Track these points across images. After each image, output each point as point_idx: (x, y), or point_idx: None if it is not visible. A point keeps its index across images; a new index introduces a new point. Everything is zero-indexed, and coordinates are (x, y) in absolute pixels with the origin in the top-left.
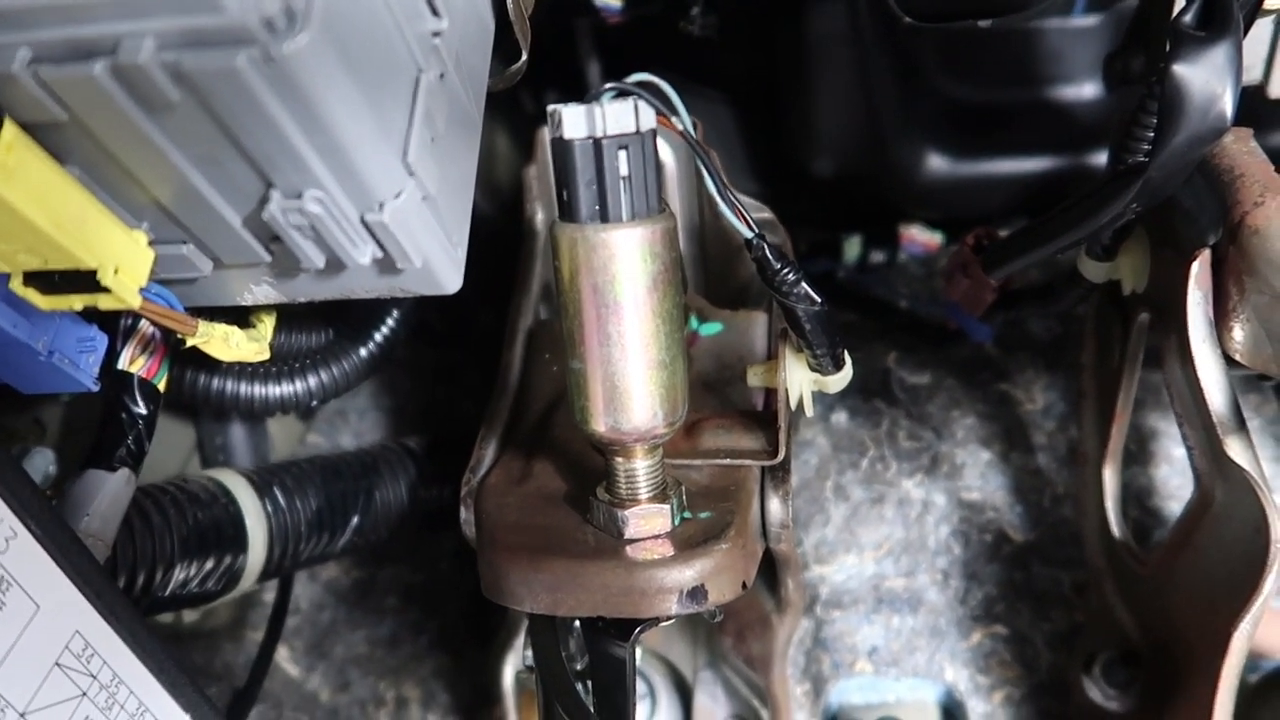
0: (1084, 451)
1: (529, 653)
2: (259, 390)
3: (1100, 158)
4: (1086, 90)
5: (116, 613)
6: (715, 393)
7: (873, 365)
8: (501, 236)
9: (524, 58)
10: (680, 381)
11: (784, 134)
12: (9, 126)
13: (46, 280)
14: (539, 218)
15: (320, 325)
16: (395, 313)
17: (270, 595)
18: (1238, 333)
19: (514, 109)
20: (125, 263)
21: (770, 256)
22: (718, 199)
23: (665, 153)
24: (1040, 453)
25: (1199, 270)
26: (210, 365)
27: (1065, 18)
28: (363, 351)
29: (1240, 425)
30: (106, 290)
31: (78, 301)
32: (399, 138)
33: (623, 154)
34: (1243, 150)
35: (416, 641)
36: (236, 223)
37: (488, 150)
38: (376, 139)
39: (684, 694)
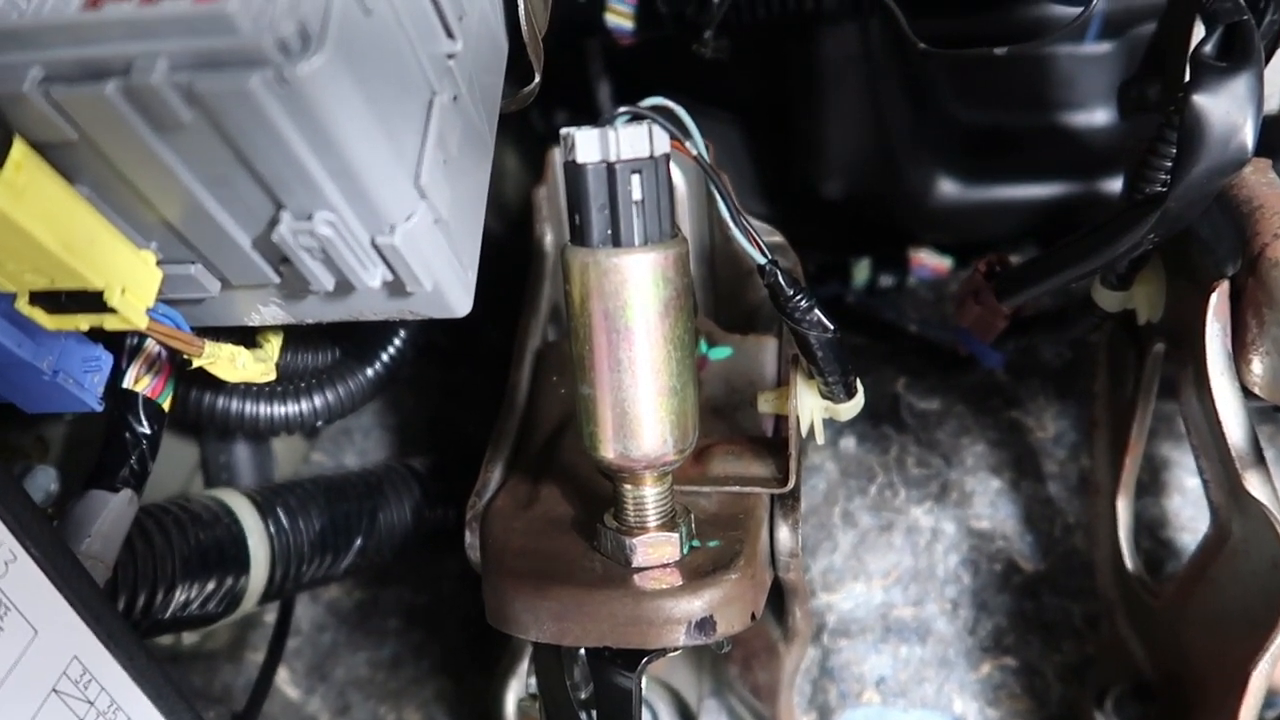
0: (1096, 482)
1: (532, 680)
2: (264, 410)
3: (1111, 184)
4: (1098, 117)
5: (115, 638)
6: (724, 418)
7: (882, 390)
8: (509, 255)
9: (537, 79)
10: (691, 408)
11: (794, 156)
12: (18, 146)
13: (53, 300)
14: (548, 239)
15: (327, 345)
16: (402, 333)
17: (271, 616)
18: (1257, 365)
19: (524, 128)
20: (133, 283)
21: (783, 283)
22: (730, 224)
23: (676, 175)
24: (1051, 481)
25: (1217, 302)
26: (215, 384)
27: (1077, 44)
28: (369, 372)
29: (1259, 460)
30: (113, 311)
31: (84, 322)
32: (411, 160)
33: (636, 178)
34: (1262, 181)
35: (418, 664)
36: (246, 244)
37: (497, 169)
38: (389, 161)
39: None
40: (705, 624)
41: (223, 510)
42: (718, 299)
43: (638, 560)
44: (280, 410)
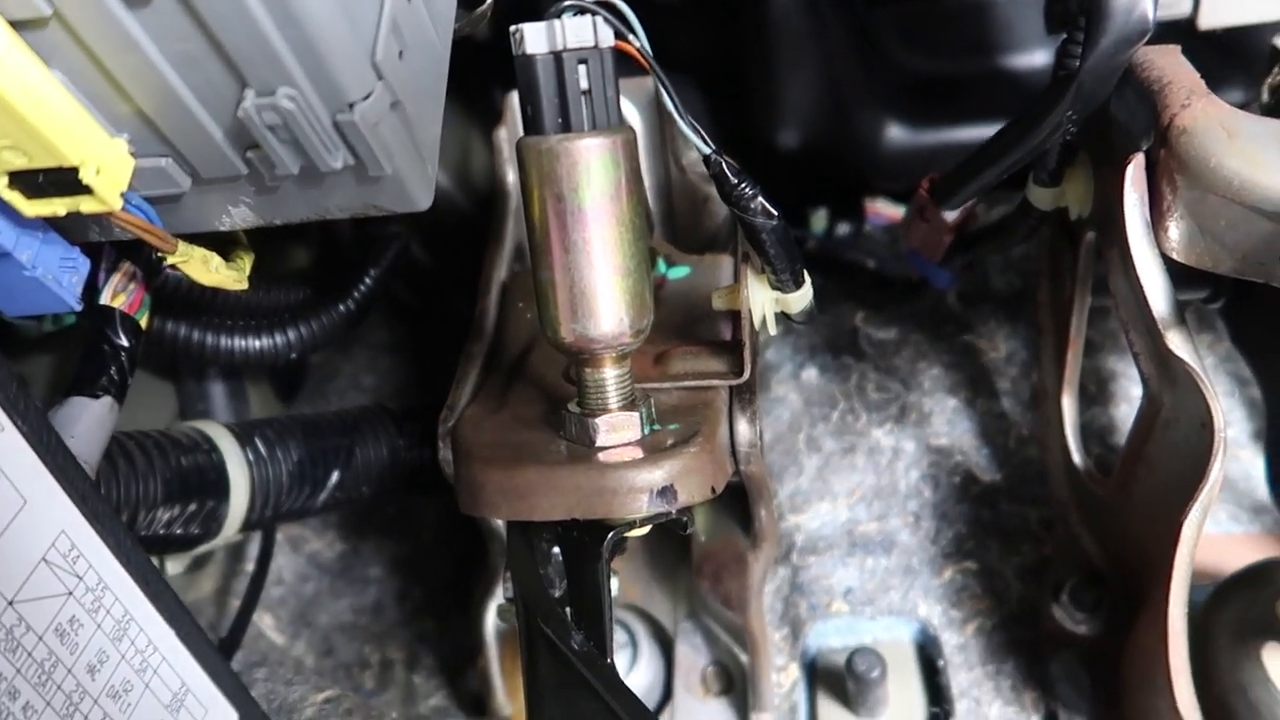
0: (1044, 387)
1: (508, 586)
2: (239, 343)
3: None
4: (1038, 58)
5: (102, 520)
6: (685, 332)
7: (841, 325)
8: (476, 228)
9: (488, 1)
10: (645, 290)
11: (748, 110)
12: None
13: (31, 183)
14: (510, 178)
15: (299, 285)
16: (372, 272)
17: (252, 566)
18: (1173, 231)
19: (488, 110)
20: (107, 165)
21: (729, 172)
22: (676, 118)
23: (631, 113)
24: (1005, 398)
25: (1134, 173)
26: (192, 318)
27: None
28: (340, 308)
29: (1180, 321)
30: (89, 191)
31: (61, 206)
32: (368, 39)
33: (582, 68)
34: (1170, 62)
35: (401, 608)
36: (215, 131)
37: (464, 148)
38: (346, 37)
39: (665, 645)
40: (666, 492)
41: (202, 438)
42: (675, 231)
43: (601, 439)
44: (255, 343)
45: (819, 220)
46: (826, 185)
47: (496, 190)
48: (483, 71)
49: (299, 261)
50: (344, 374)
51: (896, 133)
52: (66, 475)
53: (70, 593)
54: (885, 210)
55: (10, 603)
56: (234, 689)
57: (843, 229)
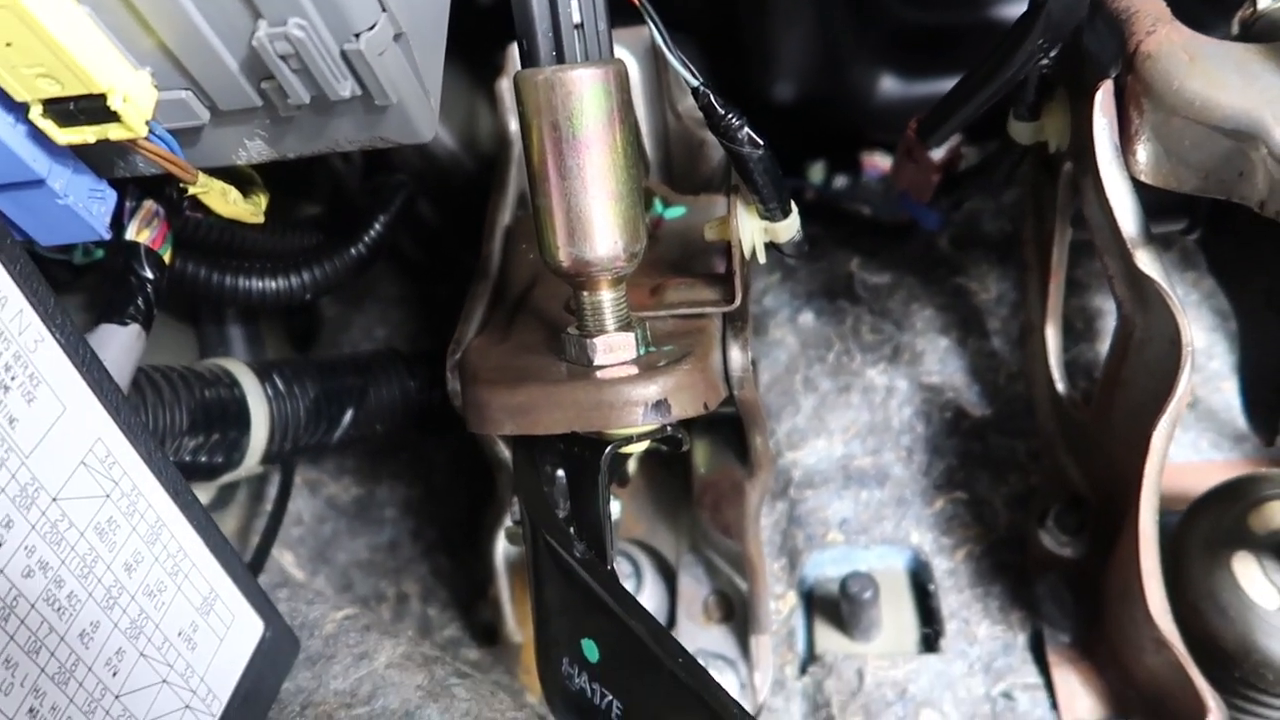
0: (1029, 321)
1: (515, 512)
2: (256, 284)
3: None
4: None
5: (134, 431)
6: (680, 269)
7: (837, 271)
8: (482, 188)
9: None
10: (638, 216)
11: (743, 65)
12: None
13: (62, 110)
14: (512, 127)
15: (313, 230)
16: (381, 218)
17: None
18: (1140, 153)
19: (495, 74)
20: (132, 94)
21: (716, 104)
22: (665, 52)
23: (630, 61)
24: (995, 337)
25: (1102, 99)
26: (211, 260)
27: None
28: (351, 251)
29: (1149, 241)
30: (116, 119)
31: (91, 133)
32: None
33: (575, 2)
34: None
35: (415, 546)
36: (231, 62)
37: (470, 112)
38: None
39: (668, 577)
40: (660, 406)
41: (224, 373)
42: (673, 176)
43: (599, 359)
44: (271, 284)
45: (816, 173)
46: (823, 138)
47: (500, 139)
48: (488, 35)
49: (310, 212)
50: (356, 326)
51: (890, 84)
52: (101, 387)
53: (107, 495)
54: (881, 163)
55: (54, 499)
56: (259, 600)
57: (840, 182)
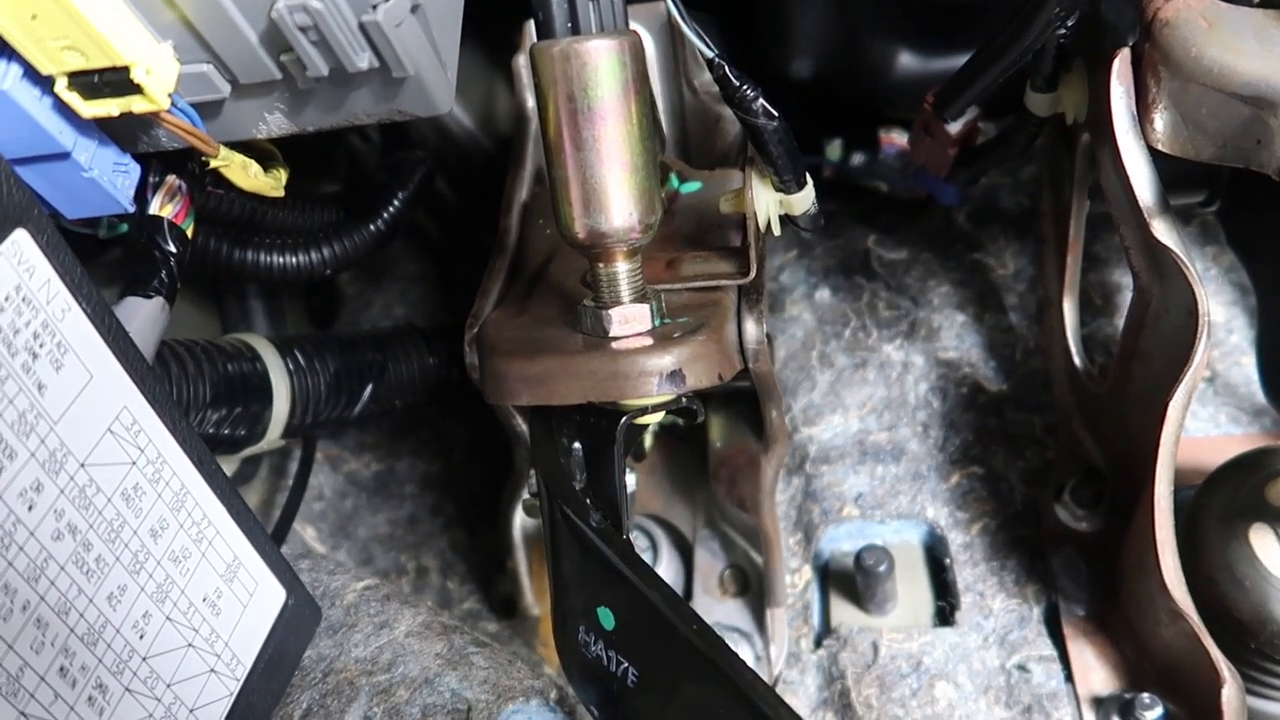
0: (1048, 295)
1: (533, 483)
2: (278, 259)
3: None
4: None
5: (159, 400)
6: (696, 243)
7: (854, 247)
8: (500, 169)
9: None
10: (653, 187)
11: (761, 42)
12: None
13: (87, 83)
14: (529, 103)
15: (333, 207)
16: (400, 195)
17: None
18: (1158, 122)
19: (512, 53)
20: (155, 67)
21: (730, 75)
22: (680, 21)
23: (646, 38)
24: (1012, 312)
25: (1119, 67)
26: (233, 236)
27: None
28: (370, 227)
29: (1165, 210)
30: (140, 91)
31: (115, 106)
32: None
33: None
34: None
35: (434, 521)
36: (251, 35)
37: (488, 94)
38: None
39: (685, 552)
40: (675, 376)
41: (246, 348)
42: (689, 151)
43: (615, 330)
44: (292, 259)
45: (834, 150)
46: (841, 116)
47: (517, 115)
48: (505, 14)
49: (329, 189)
50: (376, 305)
51: (908, 60)
52: (127, 356)
53: (133, 462)
54: (900, 140)
55: (82, 464)
56: (282, 568)
57: (858, 159)
